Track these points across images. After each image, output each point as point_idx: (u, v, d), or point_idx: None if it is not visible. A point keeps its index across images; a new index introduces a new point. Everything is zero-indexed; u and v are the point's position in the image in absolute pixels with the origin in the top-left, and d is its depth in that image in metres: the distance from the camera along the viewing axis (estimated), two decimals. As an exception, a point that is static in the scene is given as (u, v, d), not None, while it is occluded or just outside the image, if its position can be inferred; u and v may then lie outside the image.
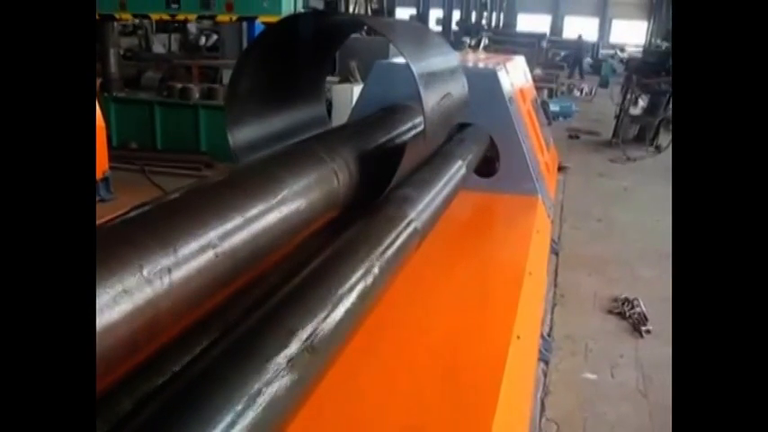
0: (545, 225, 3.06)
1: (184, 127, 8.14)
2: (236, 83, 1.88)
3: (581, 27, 33.05)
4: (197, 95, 8.25)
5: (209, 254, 1.08)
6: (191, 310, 1.03)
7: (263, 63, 1.91)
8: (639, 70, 11.43)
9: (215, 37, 13.30)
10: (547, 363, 3.31)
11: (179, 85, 8.45)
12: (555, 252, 4.86)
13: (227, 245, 1.13)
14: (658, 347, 3.72)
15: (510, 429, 1.46)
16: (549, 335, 3.65)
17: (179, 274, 0.98)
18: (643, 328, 3.90)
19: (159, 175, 6.99)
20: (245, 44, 12.24)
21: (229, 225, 1.16)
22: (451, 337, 1.70)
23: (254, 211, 1.26)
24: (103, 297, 0.80)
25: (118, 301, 0.83)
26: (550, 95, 13.89)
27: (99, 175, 6.25)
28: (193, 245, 1.04)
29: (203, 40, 13.69)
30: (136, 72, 9.52)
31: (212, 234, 1.10)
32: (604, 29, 38.27)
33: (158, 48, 13.36)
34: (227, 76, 9.38)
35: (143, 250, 0.93)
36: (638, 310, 4.09)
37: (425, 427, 1.30)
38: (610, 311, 4.22)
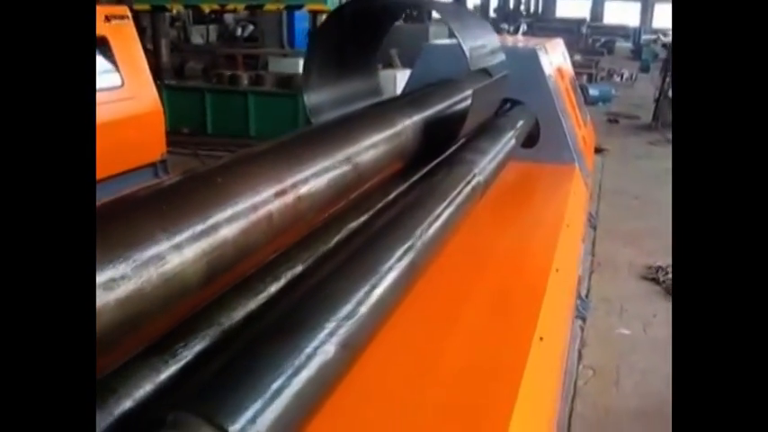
0: (581, 189, 3.35)
1: (234, 112, 8.54)
2: (311, 58, 2.27)
3: (622, 12, 32.52)
4: (246, 82, 8.69)
5: (291, 195, 1.26)
6: (269, 244, 1.20)
7: (331, 41, 2.28)
8: (680, 53, 11.38)
9: (251, 27, 13.81)
10: (584, 320, 3.60)
11: (228, 73, 8.92)
12: (593, 226, 5.11)
13: (309, 187, 1.33)
14: (690, 309, 3.96)
15: (550, 351, 1.75)
16: (586, 296, 3.93)
17: (263, 210, 1.15)
18: (676, 292, 4.13)
19: (210, 158, 7.43)
20: (284, 33, 12.74)
21: (309, 171, 1.35)
22: (501, 271, 2.03)
23: (336, 159, 1.53)
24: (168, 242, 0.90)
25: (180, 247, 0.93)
26: (590, 80, 13.94)
27: (158, 157, 6.75)
28: (278, 187, 1.23)
29: (239, 30, 14.17)
30: (179, 62, 10.01)
31: (297, 177, 1.30)
32: (647, 13, 37.51)
33: (197, 38, 13.82)
34: (272, 63, 9.85)
35: (231, 189, 1.10)
36: (671, 275, 4.32)
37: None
38: (644, 278, 4.47)
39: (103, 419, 0.89)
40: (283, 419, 0.82)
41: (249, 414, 0.78)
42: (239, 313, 1.20)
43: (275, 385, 0.84)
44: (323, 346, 0.96)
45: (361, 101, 2.46)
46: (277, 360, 0.88)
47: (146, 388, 0.96)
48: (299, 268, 1.42)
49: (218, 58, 10.80)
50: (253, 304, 1.24)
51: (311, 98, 2.26)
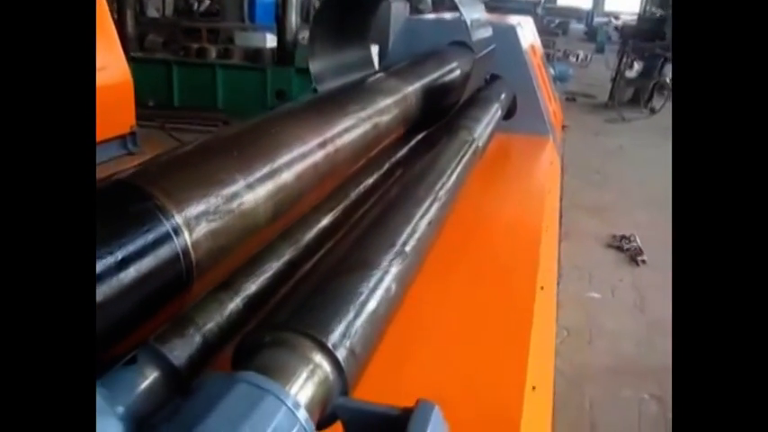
0: (555, 159, 3.52)
1: (201, 85, 8.38)
2: (315, 31, 2.34)
3: (575, -6, 33.12)
4: (214, 55, 8.57)
5: (331, 147, 1.46)
6: (313, 191, 1.42)
7: (332, 16, 2.35)
8: (635, 36, 11.79)
9: (207, 2, 13.60)
10: (556, 284, 3.79)
11: (196, 46, 8.77)
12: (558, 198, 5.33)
13: (343, 141, 1.49)
14: (654, 274, 4.22)
15: (549, 300, 1.89)
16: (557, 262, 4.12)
17: (311, 159, 1.35)
18: (639, 258, 4.39)
19: (178, 131, 7.31)
20: (245, 9, 12.56)
21: (341, 127, 1.46)
22: (498, 230, 2.16)
23: (359, 118, 1.64)
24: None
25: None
26: (547, 60, 14.22)
27: (127, 130, 6.62)
28: (319, 139, 1.40)
29: (196, 5, 13.92)
30: (138, 35, 9.75)
31: (334, 131, 1.47)
32: (599, -4, 38.25)
33: (152, 12, 13.47)
34: (238, 37, 9.72)
35: (284, 139, 1.29)
36: (634, 244, 4.58)
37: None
38: (609, 246, 4.71)
39: (188, 346, 0.96)
40: (363, 338, 0.91)
41: (338, 333, 0.87)
42: (283, 259, 1.28)
43: (353, 311, 0.93)
44: (382, 283, 1.05)
45: (358, 70, 2.53)
46: (351, 290, 0.97)
47: (217, 320, 1.04)
48: (326, 220, 1.50)
49: (178, 32, 10.55)
50: (293, 251, 1.32)
51: (315, 66, 2.32)
